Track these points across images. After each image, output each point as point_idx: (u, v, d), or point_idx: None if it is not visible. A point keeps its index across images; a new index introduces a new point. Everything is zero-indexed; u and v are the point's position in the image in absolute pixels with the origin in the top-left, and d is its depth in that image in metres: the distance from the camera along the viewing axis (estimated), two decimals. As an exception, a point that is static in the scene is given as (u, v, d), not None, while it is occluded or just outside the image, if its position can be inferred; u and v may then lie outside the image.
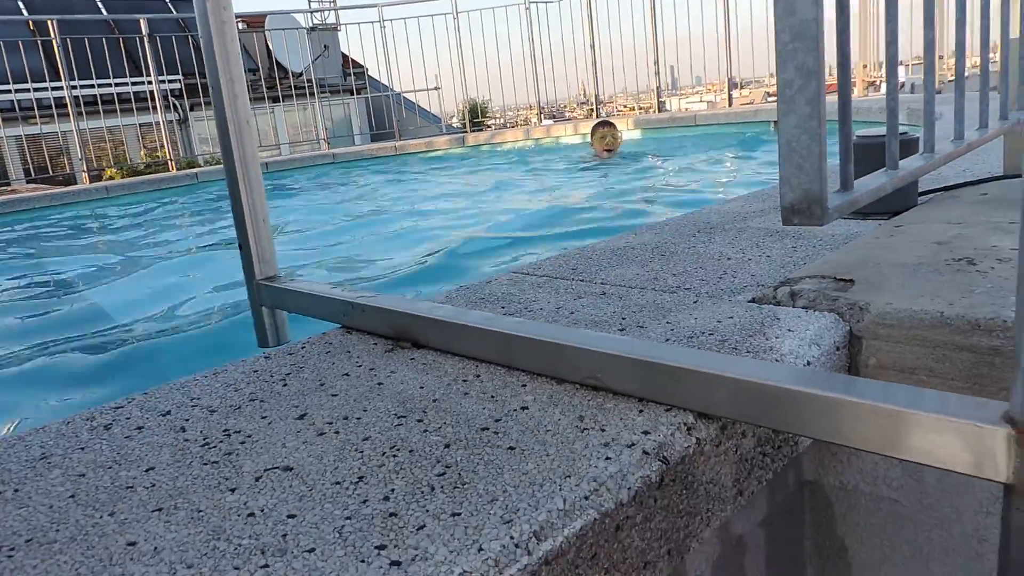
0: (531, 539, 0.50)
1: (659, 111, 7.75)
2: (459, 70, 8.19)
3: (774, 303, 0.93)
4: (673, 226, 1.49)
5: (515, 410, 0.69)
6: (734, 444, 0.68)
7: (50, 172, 8.12)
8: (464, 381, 0.77)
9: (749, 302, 0.94)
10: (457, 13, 7.83)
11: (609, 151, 5.43)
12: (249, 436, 0.69)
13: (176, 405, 0.79)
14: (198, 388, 0.84)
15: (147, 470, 0.65)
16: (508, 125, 10.40)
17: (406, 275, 2.32)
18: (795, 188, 0.66)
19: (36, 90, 7.46)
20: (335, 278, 2.25)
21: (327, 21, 12.41)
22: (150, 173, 7.25)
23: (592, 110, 8.44)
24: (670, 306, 0.96)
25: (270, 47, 11.11)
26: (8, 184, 8.15)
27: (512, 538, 0.49)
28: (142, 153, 9.70)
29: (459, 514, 0.53)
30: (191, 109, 10.79)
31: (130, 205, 5.45)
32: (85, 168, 6.90)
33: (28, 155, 8.79)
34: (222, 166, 1.20)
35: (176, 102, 10.67)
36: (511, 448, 0.62)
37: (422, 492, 0.56)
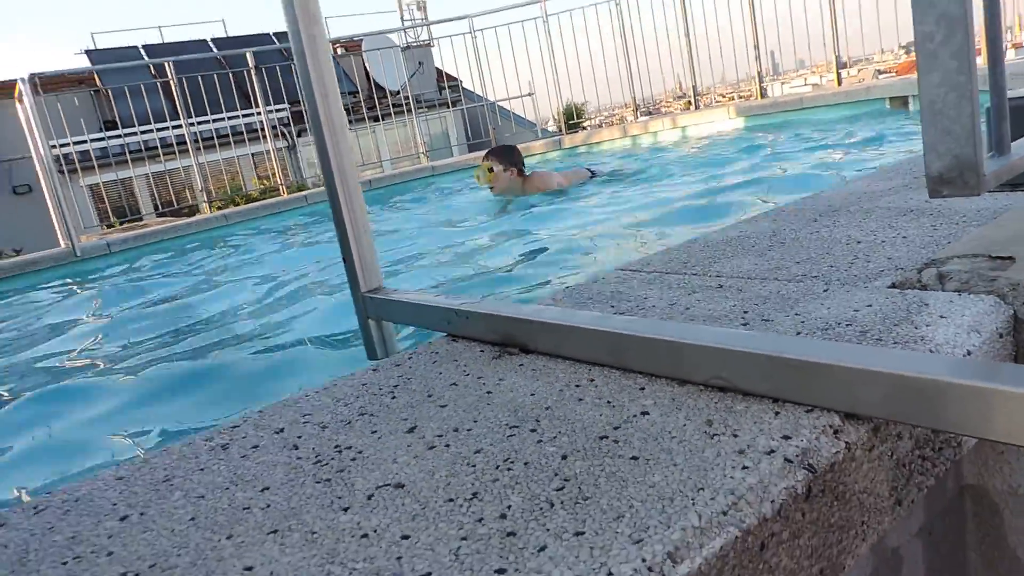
0: (665, 561, 0.45)
1: (761, 96, 7.44)
2: (552, 74, 8.16)
3: (919, 287, 0.84)
4: (790, 212, 1.39)
5: (634, 416, 0.64)
6: (889, 448, 0.60)
7: (176, 205, 8.70)
8: (577, 386, 0.73)
9: (889, 288, 0.85)
10: (547, 16, 7.81)
11: (492, 188, 4.10)
12: (360, 452, 0.68)
13: (289, 422, 0.79)
14: (309, 404, 0.83)
15: (262, 490, 0.64)
16: (603, 125, 10.29)
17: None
18: (943, 155, 0.58)
19: (159, 130, 8.02)
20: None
21: (420, 38, 12.73)
22: (264, 199, 7.62)
23: (689, 103, 8.20)
24: (797, 296, 0.88)
25: (368, 68, 11.48)
26: (140, 219, 8.79)
27: (644, 560, 0.45)
28: (254, 180, 10.24)
29: (583, 533, 0.48)
30: (298, 135, 11.31)
31: (248, 230, 5.74)
32: (207, 199, 7.34)
33: (156, 191, 9.46)
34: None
35: (284, 130, 11.21)
36: (634, 458, 0.57)
37: (541, 508, 0.52)
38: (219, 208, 7.39)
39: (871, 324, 0.74)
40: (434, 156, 8.87)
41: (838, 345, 0.64)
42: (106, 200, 8.96)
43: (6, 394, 2.04)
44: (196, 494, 0.66)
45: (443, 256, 3.21)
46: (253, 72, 7.17)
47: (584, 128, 9.69)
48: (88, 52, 12.46)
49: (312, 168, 10.76)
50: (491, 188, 4.12)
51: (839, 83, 7.11)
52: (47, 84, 7.58)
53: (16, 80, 5.58)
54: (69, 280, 4.73)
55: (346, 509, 0.58)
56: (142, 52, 12.30)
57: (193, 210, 7.80)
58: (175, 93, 6.98)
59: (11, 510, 0.70)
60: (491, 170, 4.03)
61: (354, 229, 1.15)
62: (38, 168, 5.64)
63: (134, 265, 4.90)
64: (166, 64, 7.16)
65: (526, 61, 11.69)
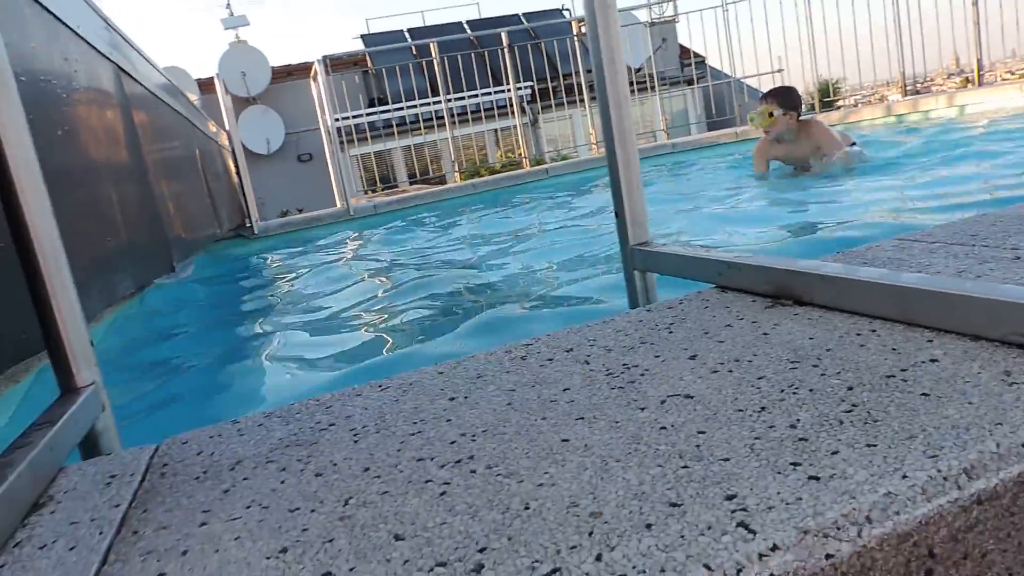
0: (961, 475, 0.48)
1: (1066, 71, 6.38)
2: (809, 49, 7.66)
3: None
4: (1106, 189, 1.25)
5: (923, 362, 0.65)
6: None
7: (428, 174, 9.49)
8: (858, 335, 0.75)
9: None
10: (807, -14, 7.31)
11: (767, 132, 3.91)
12: (647, 370, 0.76)
13: (576, 344, 0.90)
14: (592, 332, 0.94)
15: (564, 390, 0.75)
16: (859, 105, 9.45)
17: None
18: None
19: (422, 105, 8.79)
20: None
21: (665, 15, 12.54)
22: (506, 171, 8.06)
23: (967, 80, 7.26)
24: (1114, 269, 0.81)
25: (612, 46, 11.54)
26: (396, 186, 9.71)
27: (939, 471, 0.48)
28: (499, 153, 10.84)
29: (875, 445, 0.52)
30: (541, 111, 11.76)
31: (494, 198, 6.14)
32: (456, 170, 7.94)
33: (413, 161, 10.39)
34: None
35: (528, 107, 11.70)
36: (924, 394, 0.59)
37: (830, 424, 0.57)
38: (466, 178, 7.95)
39: None
40: (673, 134, 8.77)
41: None
42: (373, 168, 10.02)
43: (308, 317, 2.43)
44: (507, 387, 0.79)
45: (694, 221, 3.22)
46: (506, 51, 7.56)
47: (839, 107, 8.97)
48: (363, 36, 13.89)
49: (552, 143, 11.14)
50: (765, 132, 3.92)
51: None
52: (332, 65, 8.61)
53: (312, 62, 6.43)
54: (347, 233, 5.43)
55: (642, 409, 0.67)
56: (407, 35, 13.44)
57: (442, 179, 8.46)
58: (437, 72, 7.57)
59: (362, 387, 0.88)
60: (771, 115, 3.84)
61: (628, 186, 1.23)
62: (324, 139, 6.45)
63: (396, 223, 5.49)
64: (431, 45, 7.79)
65: (780, 35, 11.04)
